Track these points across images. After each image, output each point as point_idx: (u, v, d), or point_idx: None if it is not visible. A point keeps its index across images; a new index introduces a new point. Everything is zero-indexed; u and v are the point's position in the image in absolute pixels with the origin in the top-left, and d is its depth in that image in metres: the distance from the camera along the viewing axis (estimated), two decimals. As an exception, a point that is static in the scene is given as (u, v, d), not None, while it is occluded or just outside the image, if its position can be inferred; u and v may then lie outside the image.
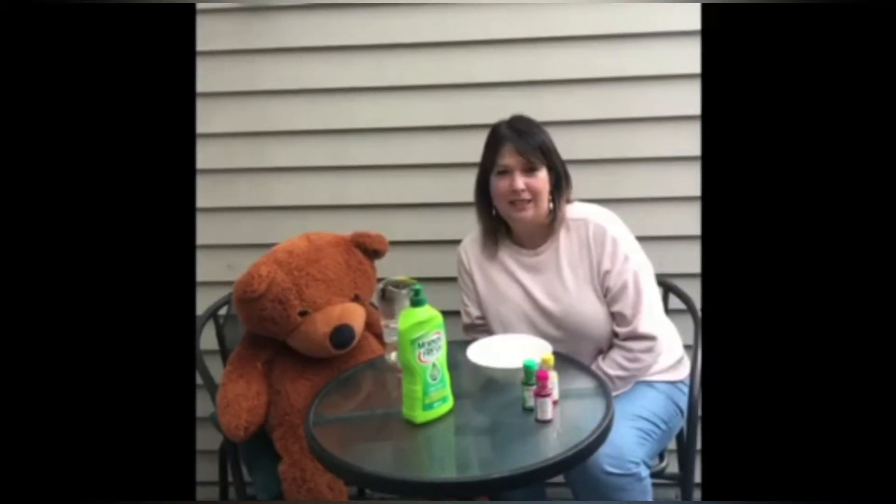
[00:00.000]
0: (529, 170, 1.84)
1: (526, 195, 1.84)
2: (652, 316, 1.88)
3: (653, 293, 1.92)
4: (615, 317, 1.87)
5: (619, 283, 1.85)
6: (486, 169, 1.91)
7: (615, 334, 1.88)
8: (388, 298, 1.75)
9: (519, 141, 1.85)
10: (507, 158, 1.85)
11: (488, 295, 1.97)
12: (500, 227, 1.96)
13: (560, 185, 1.89)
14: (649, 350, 1.86)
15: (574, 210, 1.92)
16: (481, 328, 2.00)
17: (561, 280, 1.89)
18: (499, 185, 1.87)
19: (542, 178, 1.86)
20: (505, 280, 1.95)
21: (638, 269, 1.87)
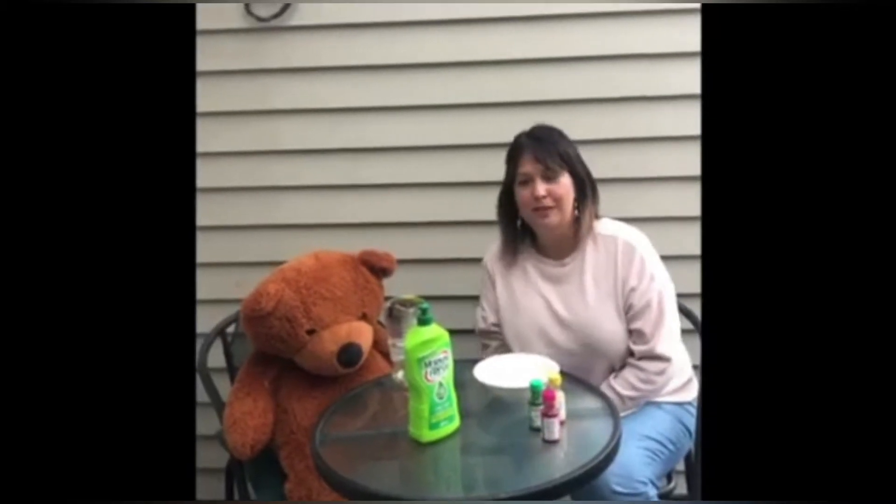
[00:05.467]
0: (550, 176, 1.85)
1: (548, 201, 1.85)
2: (671, 339, 1.87)
3: (673, 317, 1.91)
4: (633, 334, 1.86)
5: (642, 302, 1.84)
6: (509, 180, 1.92)
7: (630, 353, 1.87)
8: (395, 317, 1.75)
9: (537, 148, 1.86)
10: (527, 166, 1.86)
11: (507, 304, 1.97)
12: (524, 237, 1.97)
13: (585, 193, 1.89)
14: (662, 372, 1.85)
15: (604, 226, 1.92)
16: (495, 335, 2.00)
17: (583, 293, 1.89)
18: (522, 194, 1.88)
19: (563, 184, 1.86)
20: (525, 291, 1.95)
21: (662, 290, 1.87)
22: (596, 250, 1.90)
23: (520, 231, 1.97)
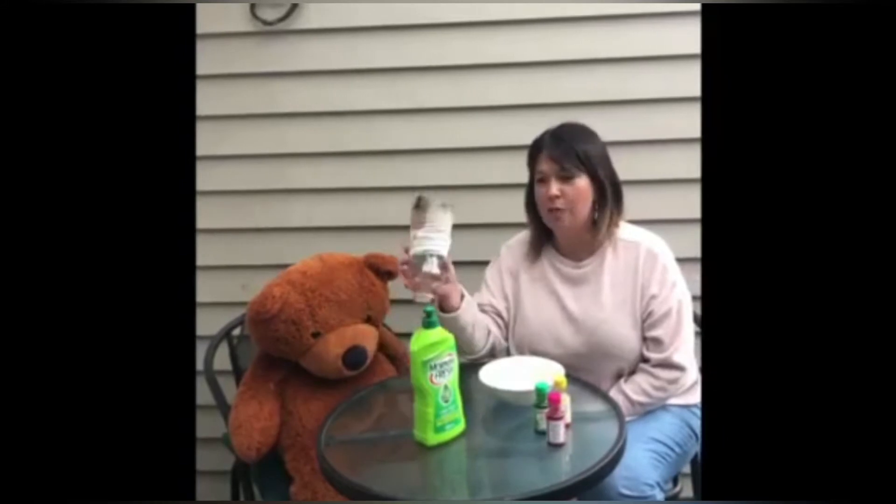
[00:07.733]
0: (565, 177, 1.82)
1: (560, 203, 1.82)
2: (687, 348, 1.85)
3: (690, 327, 1.88)
4: (650, 342, 1.85)
5: (662, 309, 1.83)
6: (531, 177, 1.91)
7: (645, 359, 1.85)
8: (421, 206, 1.69)
9: (553, 148, 1.84)
10: (543, 165, 1.84)
11: (518, 298, 1.95)
12: (548, 235, 1.94)
13: (605, 196, 1.85)
14: (676, 381, 1.84)
15: (626, 232, 1.90)
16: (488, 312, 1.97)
17: (599, 296, 1.87)
18: (538, 192, 1.87)
19: (578, 186, 1.82)
20: (540, 287, 1.93)
21: (682, 299, 1.85)
22: (616, 255, 1.88)
23: (544, 229, 1.93)
